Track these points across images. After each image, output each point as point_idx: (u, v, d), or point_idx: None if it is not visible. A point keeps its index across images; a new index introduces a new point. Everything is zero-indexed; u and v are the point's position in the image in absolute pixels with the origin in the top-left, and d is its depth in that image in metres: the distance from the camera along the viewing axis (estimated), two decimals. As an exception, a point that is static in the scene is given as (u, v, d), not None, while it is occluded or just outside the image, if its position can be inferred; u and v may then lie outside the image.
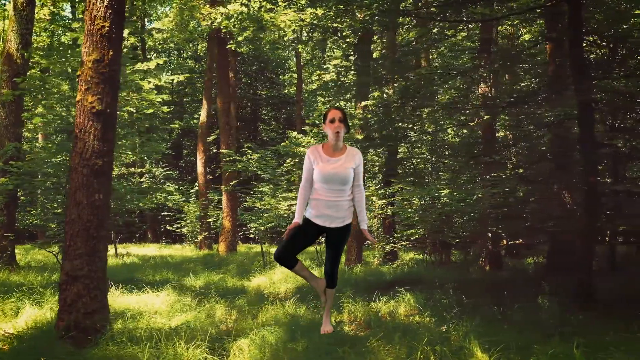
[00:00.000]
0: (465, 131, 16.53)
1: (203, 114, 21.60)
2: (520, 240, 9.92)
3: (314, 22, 8.67)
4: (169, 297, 7.30)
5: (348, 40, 8.66)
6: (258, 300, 7.86)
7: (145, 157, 26.00)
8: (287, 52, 27.98)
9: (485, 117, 8.68)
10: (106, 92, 5.09)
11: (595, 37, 8.42)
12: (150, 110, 9.21)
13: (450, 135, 14.84)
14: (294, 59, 29.58)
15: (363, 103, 8.62)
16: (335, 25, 8.22)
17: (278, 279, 10.75)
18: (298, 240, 4.06)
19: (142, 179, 25.58)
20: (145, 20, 28.40)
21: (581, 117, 7.66)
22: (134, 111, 8.90)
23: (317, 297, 8.24)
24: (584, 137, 7.63)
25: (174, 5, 20.22)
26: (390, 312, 7.30)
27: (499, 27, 15.61)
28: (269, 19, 9.89)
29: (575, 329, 5.37)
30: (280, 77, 31.49)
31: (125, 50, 28.46)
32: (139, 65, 9.45)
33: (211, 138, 24.73)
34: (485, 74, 10.51)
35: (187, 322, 5.76)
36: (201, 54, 30.12)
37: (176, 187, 23.61)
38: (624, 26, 8.45)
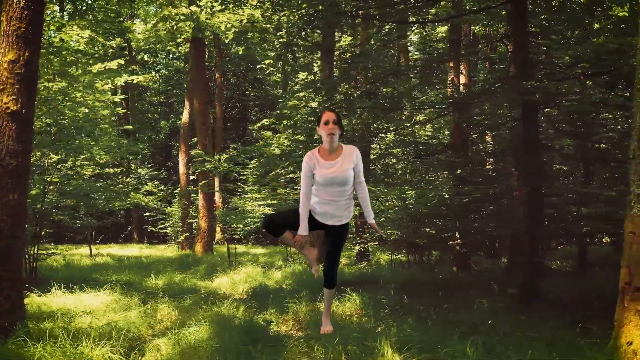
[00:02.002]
0: (446, 131, 16.53)
1: (185, 115, 21.64)
2: (460, 240, 9.93)
3: (250, 22, 8.71)
4: (109, 297, 7.32)
5: (281, 40, 8.69)
6: (203, 300, 7.86)
7: (130, 158, 26.09)
8: (273, 53, 27.95)
9: (419, 117, 8.70)
10: (22, 92, 5.12)
11: (538, 39, 8.42)
12: (106, 111, 9.24)
13: (423, 137, 14.83)
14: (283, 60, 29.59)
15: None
16: (267, 26, 8.27)
17: (239, 280, 10.80)
18: (292, 222, 3.95)
19: (127, 179, 25.65)
20: (135, 20, 28.45)
21: (525, 117, 7.68)
22: (88, 111, 8.94)
23: (258, 297, 8.27)
24: (527, 137, 7.64)
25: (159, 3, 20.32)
26: (332, 312, 7.31)
27: (473, 27, 15.62)
28: (204, 19, 9.88)
29: (487, 329, 5.38)
30: (268, 78, 31.51)
31: (111, 50, 28.44)
32: (98, 66, 9.47)
33: (196, 139, 24.78)
34: (450, 75, 10.50)
35: (112, 321, 5.78)
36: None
37: (159, 187, 23.61)
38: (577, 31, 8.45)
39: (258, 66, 10.61)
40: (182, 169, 21.58)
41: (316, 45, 10.15)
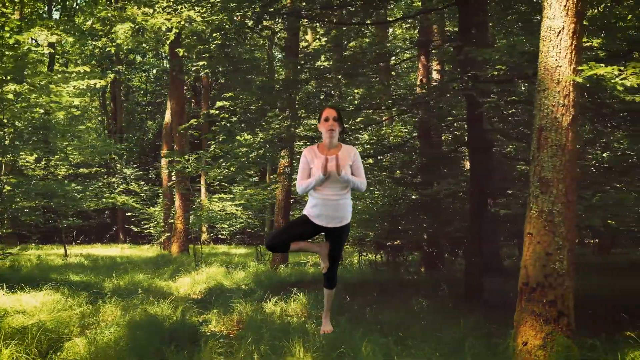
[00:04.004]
0: (414, 134, 16.51)
1: (167, 115, 21.67)
2: (399, 241, 9.95)
3: (188, 22, 8.73)
4: (51, 298, 7.34)
5: (215, 41, 8.74)
6: (142, 300, 7.86)
7: (116, 158, 26.16)
8: (261, 52, 28.01)
9: (368, 115, 8.72)
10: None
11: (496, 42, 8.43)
12: (62, 113, 9.28)
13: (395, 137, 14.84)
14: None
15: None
16: (201, 28, 8.30)
17: (200, 280, 10.84)
18: (293, 234, 3.94)
19: (113, 179, 25.71)
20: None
21: (469, 118, 7.69)
22: (43, 112, 8.97)
23: (211, 297, 8.27)
24: (472, 137, 7.65)
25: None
26: (273, 312, 7.34)
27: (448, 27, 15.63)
28: (141, 20, 9.92)
29: (403, 328, 5.41)
30: (255, 77, 31.57)
31: (97, 50, 28.28)
32: (60, 77, 9.53)
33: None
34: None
35: (40, 321, 5.80)
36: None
37: (143, 187, 23.65)
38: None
39: (194, 68, 10.59)
40: (164, 169, 21.67)
41: (284, 47, 10.17)
